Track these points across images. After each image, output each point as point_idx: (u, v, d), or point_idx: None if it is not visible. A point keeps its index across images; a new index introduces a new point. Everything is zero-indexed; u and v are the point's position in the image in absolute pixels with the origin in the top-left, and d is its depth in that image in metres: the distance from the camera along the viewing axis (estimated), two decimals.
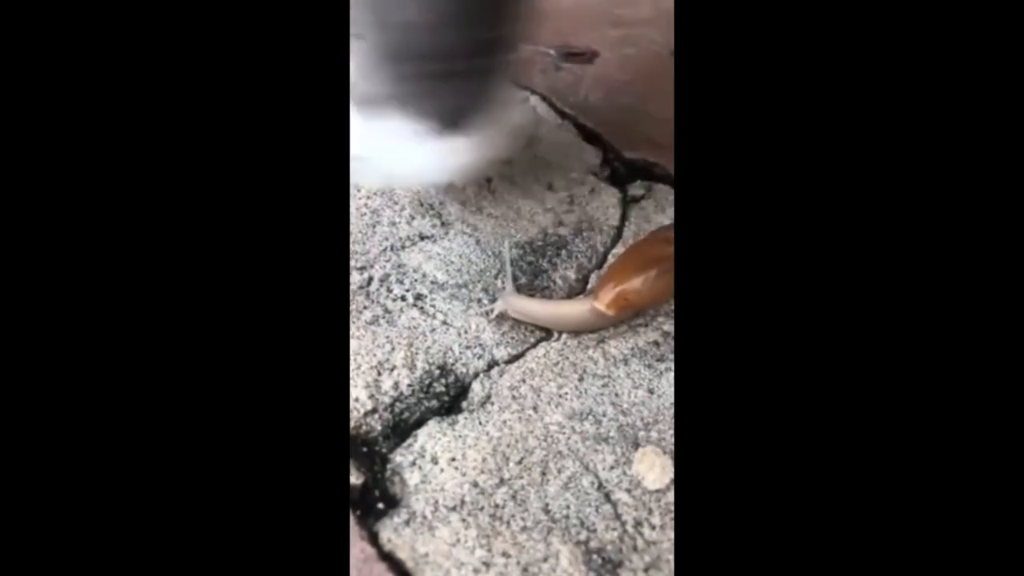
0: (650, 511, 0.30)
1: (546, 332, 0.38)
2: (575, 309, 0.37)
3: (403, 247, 0.43)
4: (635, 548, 0.29)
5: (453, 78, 0.36)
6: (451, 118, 0.37)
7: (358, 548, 0.29)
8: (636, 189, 0.47)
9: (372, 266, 0.42)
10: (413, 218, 0.45)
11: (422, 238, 0.44)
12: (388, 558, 0.29)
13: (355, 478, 0.32)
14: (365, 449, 0.33)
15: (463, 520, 0.30)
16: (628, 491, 0.31)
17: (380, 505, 0.31)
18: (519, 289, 0.40)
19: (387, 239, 0.44)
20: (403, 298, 0.40)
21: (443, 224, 0.45)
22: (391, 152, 0.39)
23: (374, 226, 0.44)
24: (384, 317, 0.39)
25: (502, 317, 0.38)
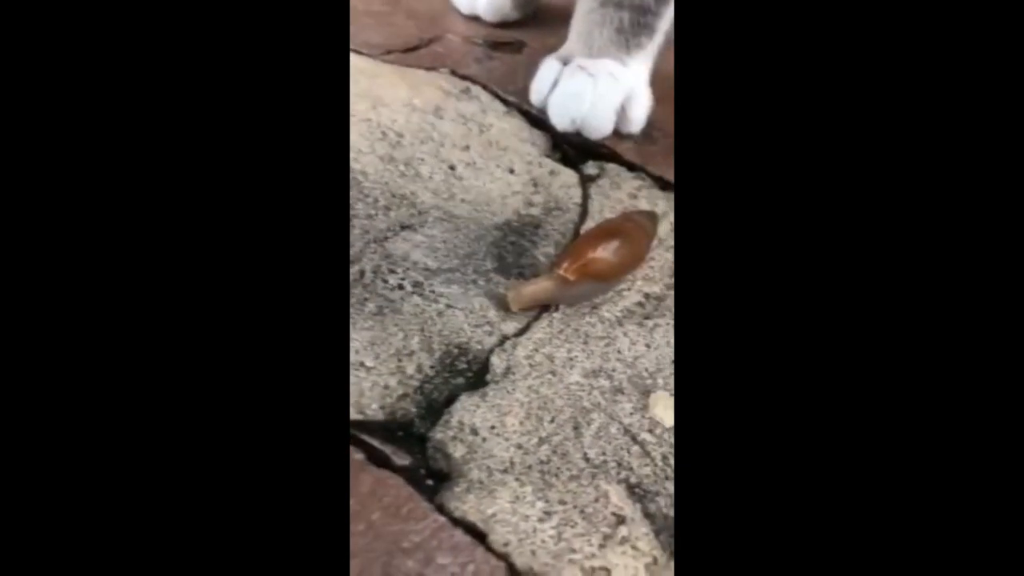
0: (672, 445, 0.35)
1: (545, 306, 0.41)
2: (546, 283, 0.40)
3: (386, 238, 0.44)
4: (667, 477, 0.34)
5: None
6: None
7: (430, 520, 0.31)
8: (590, 169, 0.52)
9: (360, 259, 0.42)
10: (389, 209, 0.46)
11: (403, 227, 0.45)
12: (460, 523, 0.31)
13: (400, 460, 0.33)
14: (401, 433, 0.35)
15: (517, 479, 0.33)
16: (650, 431, 0.36)
17: (429, 482, 0.33)
18: (507, 269, 0.43)
19: (367, 232, 0.44)
20: (400, 287, 0.41)
21: (419, 212, 0.46)
22: None
23: (351, 219, 0.45)
24: (388, 307, 0.40)
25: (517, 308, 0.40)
